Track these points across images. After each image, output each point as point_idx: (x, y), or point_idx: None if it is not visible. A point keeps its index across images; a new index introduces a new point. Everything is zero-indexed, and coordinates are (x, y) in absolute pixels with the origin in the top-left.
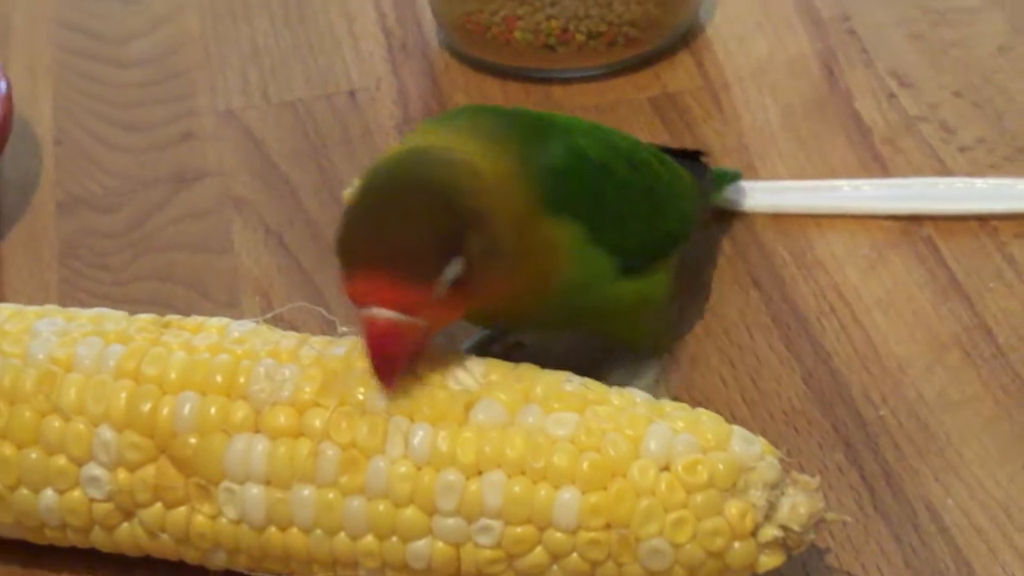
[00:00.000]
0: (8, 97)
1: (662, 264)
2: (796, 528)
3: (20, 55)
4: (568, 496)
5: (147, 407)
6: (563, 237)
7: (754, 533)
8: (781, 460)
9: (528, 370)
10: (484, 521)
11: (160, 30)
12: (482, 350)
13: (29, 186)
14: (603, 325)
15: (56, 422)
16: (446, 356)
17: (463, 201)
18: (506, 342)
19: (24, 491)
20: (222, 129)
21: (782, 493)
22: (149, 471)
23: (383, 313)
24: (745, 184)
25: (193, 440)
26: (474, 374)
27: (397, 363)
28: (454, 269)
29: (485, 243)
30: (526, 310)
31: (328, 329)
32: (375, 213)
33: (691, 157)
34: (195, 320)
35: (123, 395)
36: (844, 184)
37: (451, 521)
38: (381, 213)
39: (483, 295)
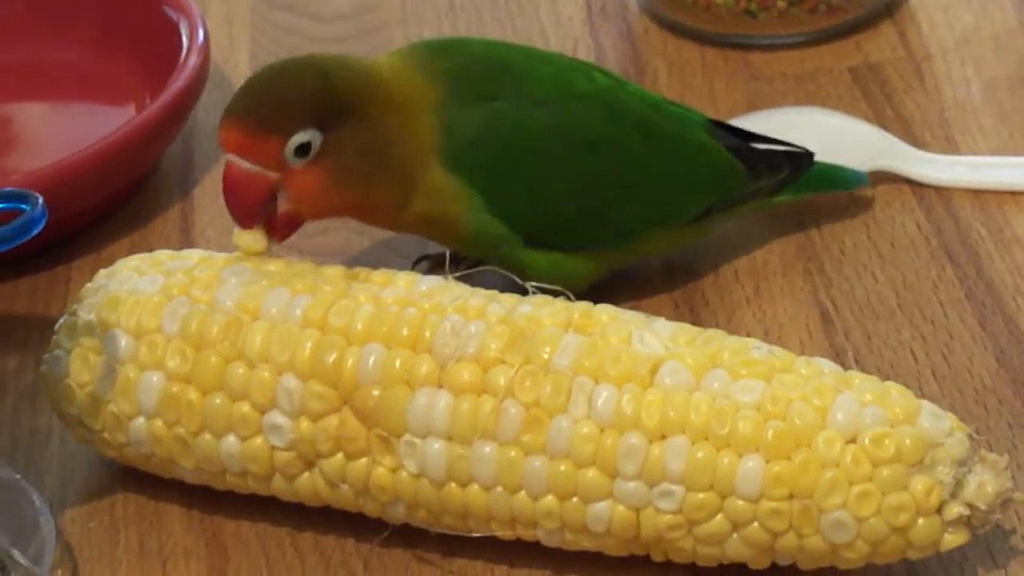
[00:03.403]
0: (205, 46)
1: (611, 252)
2: (982, 507)
3: (218, 4)
4: (752, 464)
5: (332, 357)
6: (456, 197)
7: (939, 510)
8: (970, 437)
9: (715, 335)
10: (666, 486)
11: None
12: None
13: None
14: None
15: (241, 369)
16: (633, 317)
17: (338, 86)
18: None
19: (207, 436)
20: None
21: (969, 471)
22: (332, 421)
23: (236, 160)
24: (944, 159)
25: (376, 392)
26: (660, 336)
27: (246, 207)
28: (306, 137)
29: (356, 138)
30: (443, 240)
31: (516, 290)
32: (257, 78)
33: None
34: (383, 273)
35: (308, 345)
36: None
37: (632, 485)
38: (262, 78)
39: (355, 194)
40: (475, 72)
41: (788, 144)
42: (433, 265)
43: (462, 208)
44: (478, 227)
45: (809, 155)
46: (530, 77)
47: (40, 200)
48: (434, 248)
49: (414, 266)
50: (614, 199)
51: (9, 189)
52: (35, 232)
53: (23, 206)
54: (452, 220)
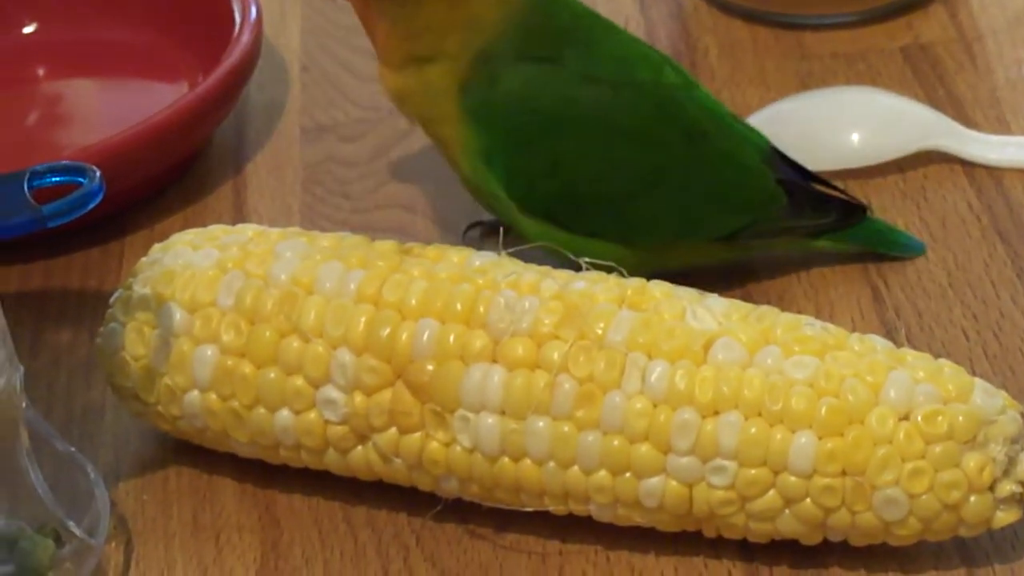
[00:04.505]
0: (258, 23)
1: (627, 250)
2: None
3: None
4: (804, 440)
5: (386, 332)
6: (464, 138)
7: (992, 487)
8: (1022, 415)
9: (768, 311)
10: (718, 461)
11: None
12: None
13: (275, 112)
14: None
15: (295, 343)
16: (686, 293)
17: None
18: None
19: (261, 410)
20: None
21: (1022, 449)
22: (385, 396)
23: None
24: (995, 139)
25: (430, 367)
26: (714, 312)
27: None
28: None
29: None
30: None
31: (570, 265)
32: None
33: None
34: (436, 249)
35: (362, 319)
36: None
37: (685, 460)
38: None
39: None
40: (546, 27)
41: (847, 195)
42: (485, 232)
43: (465, 149)
44: (472, 173)
45: (862, 209)
46: (594, 52)
47: (98, 173)
48: (486, 215)
49: (466, 232)
50: (637, 194)
51: (66, 162)
52: (92, 205)
53: (80, 179)
54: (452, 149)
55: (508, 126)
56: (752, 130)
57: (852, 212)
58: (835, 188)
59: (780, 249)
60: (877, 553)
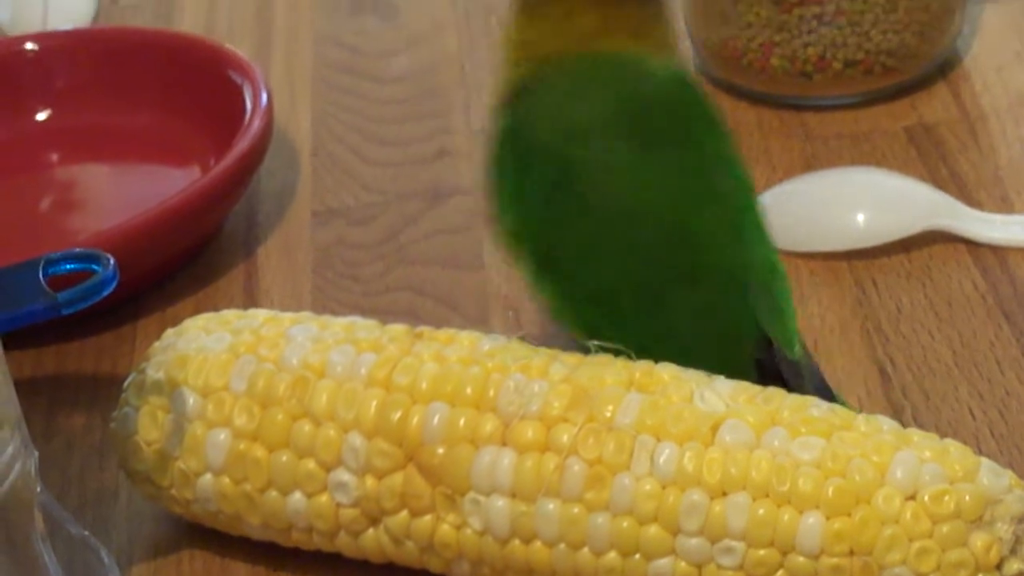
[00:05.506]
0: (268, 109)
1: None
2: None
3: (280, 68)
4: (812, 521)
5: (397, 415)
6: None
7: (999, 567)
8: None
9: (775, 393)
10: (727, 542)
11: (418, 48)
12: None
13: (286, 196)
14: None
15: (307, 427)
16: (694, 375)
17: None
18: None
19: (273, 493)
20: (476, 148)
21: None
22: (396, 479)
23: None
24: (999, 218)
25: (441, 450)
26: (721, 394)
27: None
28: None
29: None
30: None
31: (578, 348)
32: None
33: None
34: (446, 332)
35: (374, 403)
36: None
37: (694, 541)
38: None
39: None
40: (591, 111)
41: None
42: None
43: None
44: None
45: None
46: (639, 156)
47: (112, 261)
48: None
49: None
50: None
51: (80, 250)
52: (106, 293)
53: (94, 267)
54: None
55: (513, 158)
56: (782, 318)
57: None
58: (831, 394)
59: None
60: None
